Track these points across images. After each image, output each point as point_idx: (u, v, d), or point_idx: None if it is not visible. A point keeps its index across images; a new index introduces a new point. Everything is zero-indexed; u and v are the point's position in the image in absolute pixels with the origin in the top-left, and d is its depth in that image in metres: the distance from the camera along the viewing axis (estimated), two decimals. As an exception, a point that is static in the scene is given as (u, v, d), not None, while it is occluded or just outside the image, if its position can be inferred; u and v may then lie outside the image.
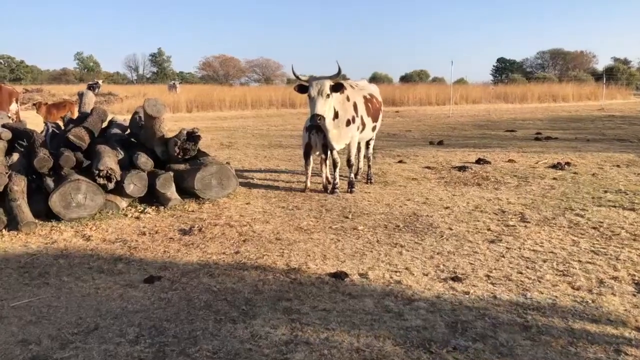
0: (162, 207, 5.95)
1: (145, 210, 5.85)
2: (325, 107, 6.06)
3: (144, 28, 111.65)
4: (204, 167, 6.14)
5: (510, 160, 9.04)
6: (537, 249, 4.37)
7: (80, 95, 9.01)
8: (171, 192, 5.99)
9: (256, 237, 4.78)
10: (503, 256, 4.20)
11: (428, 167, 8.56)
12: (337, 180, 6.85)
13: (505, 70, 64.48)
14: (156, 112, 5.95)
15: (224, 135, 14.19)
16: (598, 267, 3.90)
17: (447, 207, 5.87)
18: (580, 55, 67.31)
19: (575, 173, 7.80)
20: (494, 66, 69.50)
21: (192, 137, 6.20)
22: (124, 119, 8.05)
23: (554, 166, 8.33)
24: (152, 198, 6.11)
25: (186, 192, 6.30)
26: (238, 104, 25.17)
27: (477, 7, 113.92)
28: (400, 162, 9.17)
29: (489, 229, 5.00)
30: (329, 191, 6.78)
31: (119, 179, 5.74)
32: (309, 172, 7.01)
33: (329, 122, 6.21)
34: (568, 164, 8.39)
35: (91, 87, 35.81)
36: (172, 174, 6.03)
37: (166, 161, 6.52)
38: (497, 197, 6.41)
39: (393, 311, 3.20)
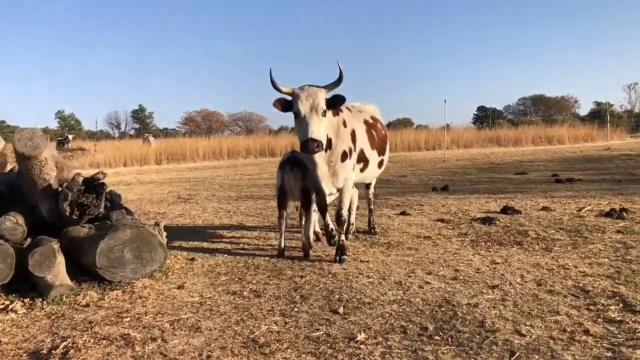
0: (43, 299, 3.72)
1: (12, 307, 3.61)
2: (322, 128, 4.08)
3: (126, 85, 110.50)
4: (112, 232, 3.94)
5: (544, 208, 6.96)
6: None
7: (-17, 138, 6.87)
8: (54, 274, 3.75)
9: (164, 371, 2.53)
10: (666, 412, 2.01)
11: (441, 220, 6.44)
12: (332, 226, 4.94)
13: (486, 117, 63.49)
14: (31, 148, 3.78)
15: (186, 187, 11.94)
16: None
17: (494, 286, 3.71)
18: (562, 101, 67.01)
19: (643, 223, 5.74)
20: (474, 114, 68.61)
21: (94, 186, 4.02)
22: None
23: (607, 214, 6.27)
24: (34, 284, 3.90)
25: (89, 271, 4.09)
26: (213, 154, 23.04)
27: (460, 64, 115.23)
28: (402, 213, 7.05)
29: (586, 332, 2.84)
30: (330, 243, 4.94)
31: (-36, 256, 3.53)
32: (283, 227, 4.83)
33: (317, 155, 4.20)
34: (624, 210, 6.34)
35: (61, 142, 34.42)
36: (56, 246, 3.82)
37: (60, 224, 4.31)
38: (558, 263, 4.29)
39: None
